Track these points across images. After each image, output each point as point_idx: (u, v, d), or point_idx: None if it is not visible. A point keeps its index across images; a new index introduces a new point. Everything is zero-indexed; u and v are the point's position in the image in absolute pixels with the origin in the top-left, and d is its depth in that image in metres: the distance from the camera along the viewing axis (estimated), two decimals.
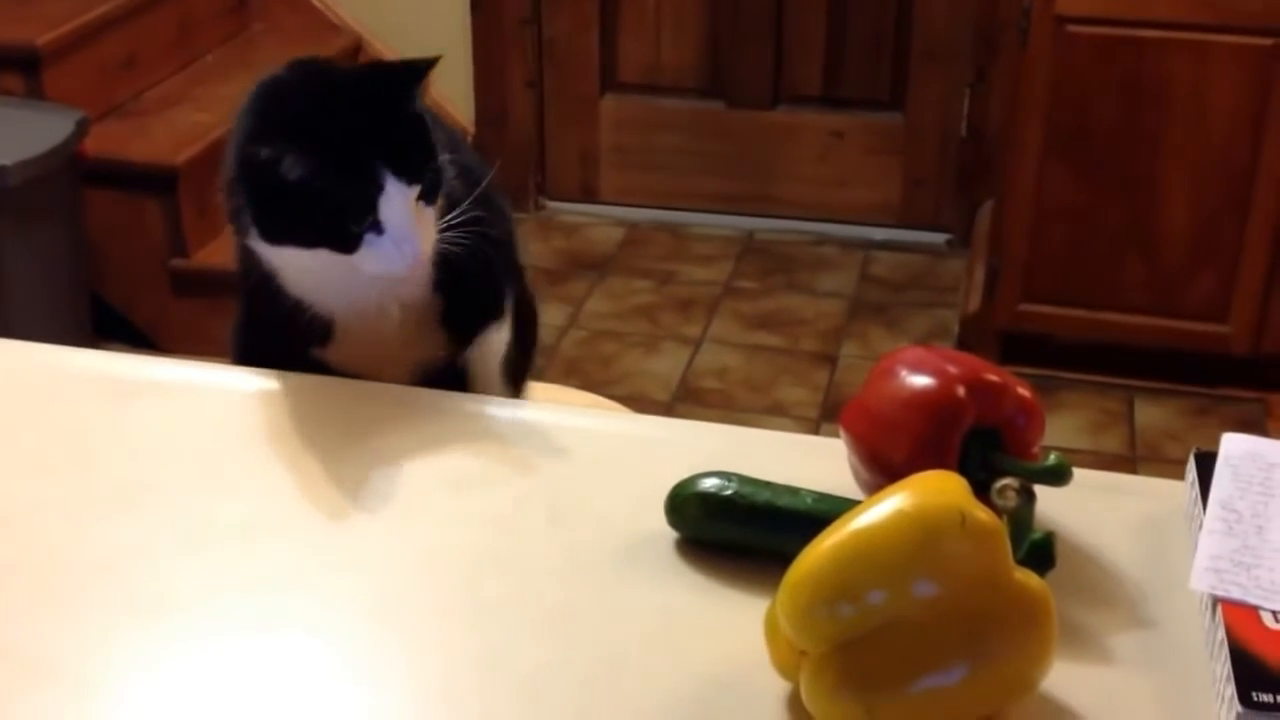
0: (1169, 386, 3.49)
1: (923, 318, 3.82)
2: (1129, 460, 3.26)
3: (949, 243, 4.13)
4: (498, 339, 1.45)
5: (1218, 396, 3.46)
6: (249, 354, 1.45)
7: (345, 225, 1.28)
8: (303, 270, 1.35)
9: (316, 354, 1.41)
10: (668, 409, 3.40)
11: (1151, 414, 3.41)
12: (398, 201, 1.28)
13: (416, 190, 1.29)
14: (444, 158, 1.34)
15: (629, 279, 3.98)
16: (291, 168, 1.26)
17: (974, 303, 3.58)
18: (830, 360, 3.60)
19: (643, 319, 3.79)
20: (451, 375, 1.44)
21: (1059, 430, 3.36)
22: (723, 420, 3.15)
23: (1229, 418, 3.38)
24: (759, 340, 3.70)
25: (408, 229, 1.29)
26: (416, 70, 1.34)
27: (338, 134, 1.28)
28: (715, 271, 4.02)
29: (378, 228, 1.28)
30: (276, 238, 1.31)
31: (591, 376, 3.52)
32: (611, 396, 2.61)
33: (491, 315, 1.45)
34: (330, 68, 1.39)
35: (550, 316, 3.78)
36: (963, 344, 3.59)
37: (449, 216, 1.35)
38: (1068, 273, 3.42)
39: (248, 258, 1.37)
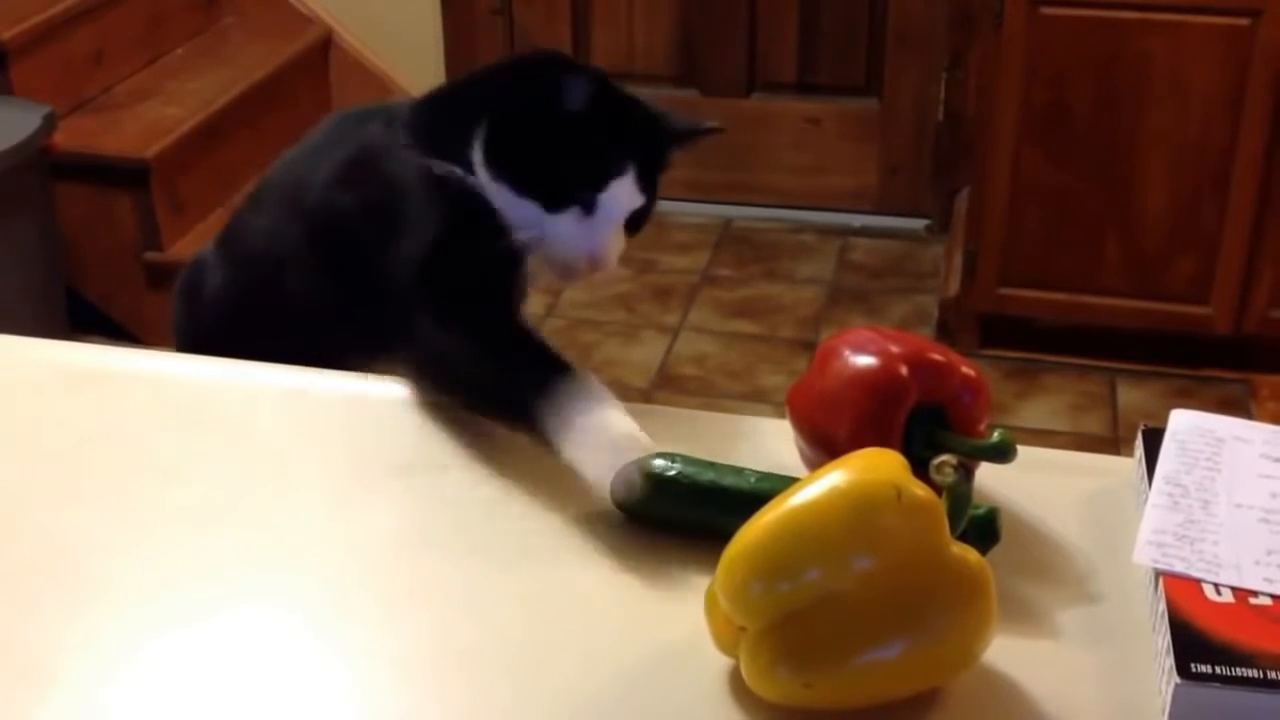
0: (1151, 369, 3.49)
1: (902, 303, 3.82)
2: (1111, 442, 3.26)
3: (928, 228, 4.13)
4: None
5: (1201, 378, 3.47)
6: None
7: (567, 183, 1.31)
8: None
9: None
10: (647, 396, 3.41)
11: (1134, 396, 3.42)
12: (622, 196, 1.32)
13: (639, 203, 1.34)
14: None
15: None
16: (573, 98, 1.29)
17: (953, 287, 3.58)
18: (810, 347, 3.60)
19: (621, 308, 3.79)
20: None
21: (1040, 413, 3.36)
22: (702, 408, 3.15)
23: (1212, 398, 3.38)
24: (738, 328, 3.70)
25: (613, 222, 1.32)
26: (695, 133, 1.40)
27: (621, 118, 1.34)
28: (693, 260, 4.02)
29: (590, 206, 1.31)
30: (501, 168, 1.31)
31: None
32: None
33: None
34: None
35: (529, 306, 3.75)
36: (942, 329, 3.59)
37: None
38: (1047, 256, 3.43)
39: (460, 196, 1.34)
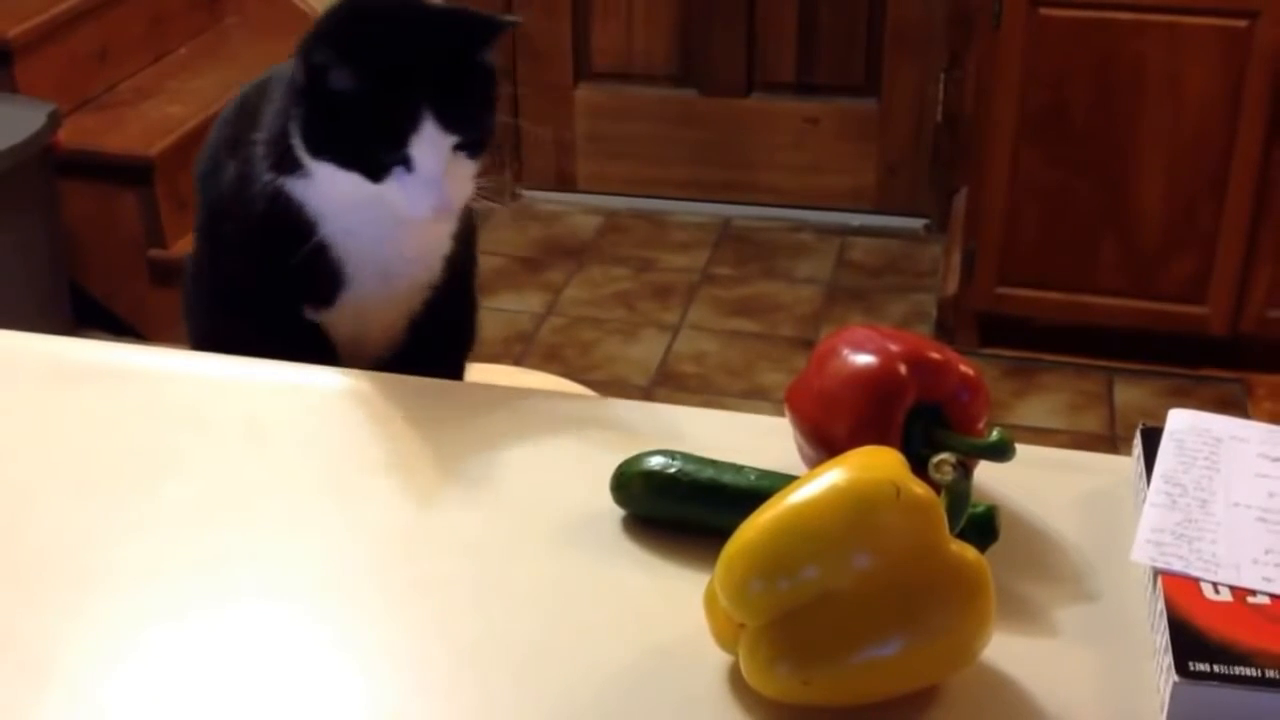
0: (1148, 368, 3.49)
1: (900, 303, 3.82)
2: (1108, 441, 3.26)
3: (926, 227, 4.13)
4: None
5: (1197, 377, 3.47)
6: (226, 319, 1.47)
7: (377, 153, 1.31)
8: (337, 203, 1.36)
9: (312, 315, 1.43)
10: (646, 394, 3.41)
11: (1131, 395, 3.42)
12: (431, 145, 1.30)
13: (454, 140, 1.31)
14: None
15: (607, 266, 3.99)
16: (339, 79, 1.29)
17: (951, 287, 3.58)
18: (808, 345, 3.60)
19: (621, 306, 3.80)
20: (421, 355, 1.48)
21: (1037, 412, 3.37)
22: (702, 405, 3.15)
23: (1209, 398, 3.38)
24: (737, 326, 3.70)
25: (435, 174, 1.31)
26: (494, 26, 1.36)
27: (394, 64, 1.30)
28: (692, 258, 4.02)
29: (408, 164, 1.31)
30: (317, 150, 1.33)
31: (571, 363, 3.53)
32: (590, 382, 2.61)
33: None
34: (417, 3, 1.40)
35: (529, 304, 3.78)
36: (941, 328, 3.60)
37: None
38: (1045, 256, 3.43)
39: (275, 203, 1.37)
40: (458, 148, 1.32)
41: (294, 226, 1.38)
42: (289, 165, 1.35)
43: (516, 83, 4.25)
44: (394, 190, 1.32)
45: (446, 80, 1.32)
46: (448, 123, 1.31)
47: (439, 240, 1.44)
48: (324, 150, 1.33)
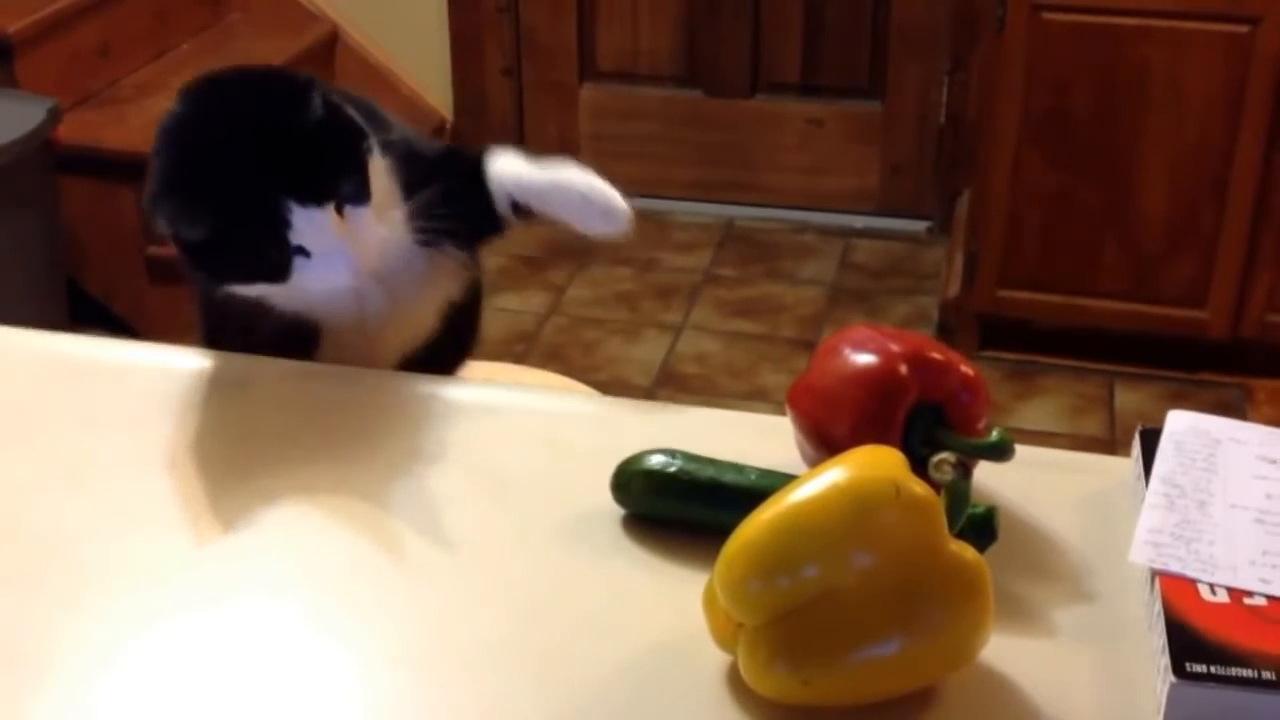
0: (1148, 371, 3.49)
1: (903, 304, 3.82)
2: (1108, 444, 3.26)
3: (929, 230, 4.13)
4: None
5: (1197, 381, 3.47)
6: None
7: (269, 261, 1.27)
8: (272, 292, 1.34)
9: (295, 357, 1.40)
10: (648, 394, 3.41)
11: (1131, 399, 3.42)
12: (311, 225, 1.26)
13: (330, 208, 1.26)
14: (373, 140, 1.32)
15: (610, 266, 3.98)
16: (189, 230, 1.25)
17: (953, 289, 3.58)
18: (810, 346, 3.60)
19: (623, 306, 3.80)
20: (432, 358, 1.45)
21: (1038, 415, 3.37)
22: (703, 406, 3.15)
23: (1208, 402, 3.38)
24: (739, 327, 3.70)
25: (333, 245, 1.27)
26: (301, 85, 1.28)
27: (229, 180, 1.25)
28: (695, 259, 4.03)
29: (303, 252, 1.27)
30: (218, 280, 1.31)
31: (573, 362, 3.53)
32: (592, 382, 2.61)
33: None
34: (221, 93, 1.32)
35: (532, 303, 3.78)
36: (942, 330, 3.60)
37: (413, 208, 1.34)
38: (1046, 259, 3.43)
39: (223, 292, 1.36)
40: (338, 206, 1.27)
41: (242, 305, 1.35)
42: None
43: (521, 81, 4.25)
44: (305, 277, 1.28)
45: (290, 162, 1.26)
46: (315, 197, 1.26)
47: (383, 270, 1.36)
48: (222, 278, 1.31)
